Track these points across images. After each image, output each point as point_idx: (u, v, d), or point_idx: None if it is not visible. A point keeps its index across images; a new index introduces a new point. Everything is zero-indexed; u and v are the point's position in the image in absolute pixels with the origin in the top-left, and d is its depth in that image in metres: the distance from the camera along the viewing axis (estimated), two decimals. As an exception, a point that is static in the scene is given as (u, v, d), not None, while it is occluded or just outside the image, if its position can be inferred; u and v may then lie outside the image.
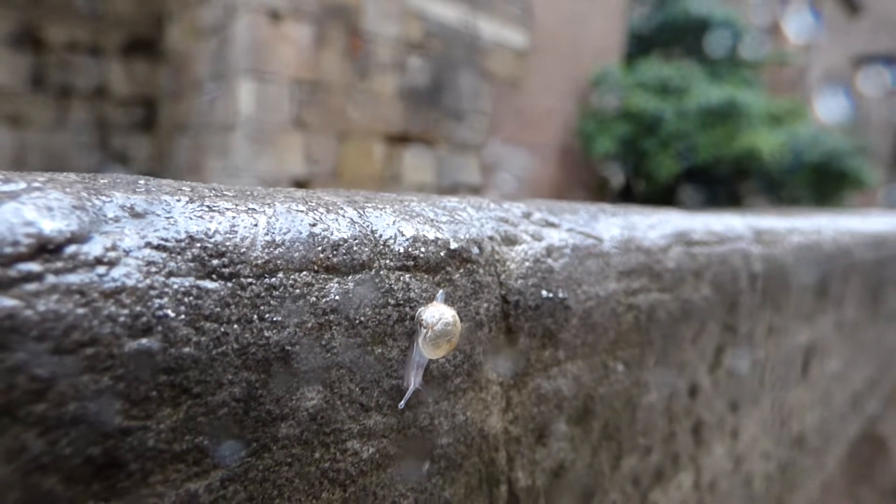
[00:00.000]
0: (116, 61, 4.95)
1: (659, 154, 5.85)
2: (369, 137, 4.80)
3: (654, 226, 0.72)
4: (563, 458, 0.57)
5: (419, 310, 0.43)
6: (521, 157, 5.63)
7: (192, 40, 4.88)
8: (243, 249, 0.35)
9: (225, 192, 0.38)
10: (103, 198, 0.32)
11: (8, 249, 0.27)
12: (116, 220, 0.31)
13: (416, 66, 5.10)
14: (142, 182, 0.36)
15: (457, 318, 0.43)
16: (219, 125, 4.41)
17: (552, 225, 0.59)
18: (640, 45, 6.98)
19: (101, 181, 0.34)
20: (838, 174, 6.29)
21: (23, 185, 0.30)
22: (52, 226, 0.28)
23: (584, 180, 6.20)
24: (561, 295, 0.55)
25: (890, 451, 2.33)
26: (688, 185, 6.28)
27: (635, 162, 6.05)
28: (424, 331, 0.42)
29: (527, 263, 0.53)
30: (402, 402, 0.42)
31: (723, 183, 6.37)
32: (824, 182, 6.35)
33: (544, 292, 0.53)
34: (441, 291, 0.45)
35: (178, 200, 0.34)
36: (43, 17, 4.55)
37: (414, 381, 0.43)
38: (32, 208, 0.28)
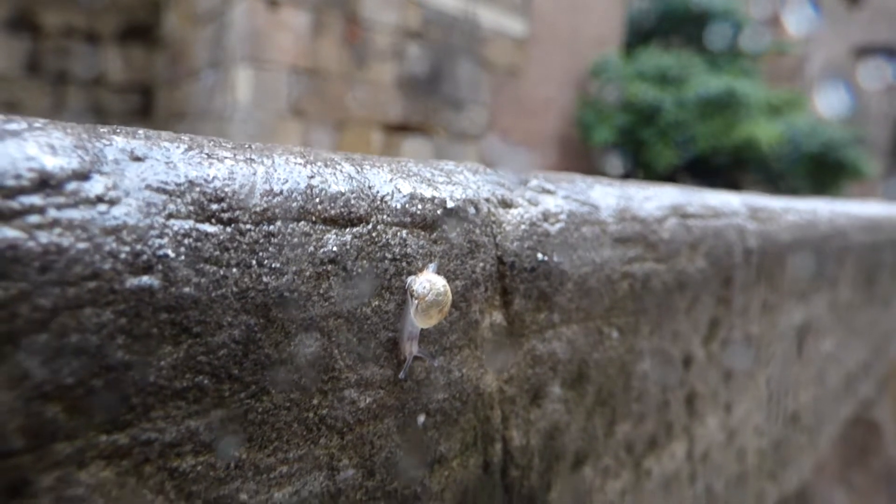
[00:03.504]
0: (113, 47, 4.91)
1: (658, 144, 5.84)
2: (367, 126, 4.78)
3: (650, 198, 0.73)
4: (558, 420, 0.58)
5: (409, 279, 0.43)
6: (519, 146, 5.62)
7: (189, 27, 4.83)
8: (242, 196, 0.35)
9: (223, 144, 0.38)
10: (104, 141, 0.32)
11: (10, 182, 0.27)
12: (116, 162, 0.31)
13: (414, 55, 5.07)
14: (141, 132, 0.36)
15: (447, 287, 0.43)
16: (216, 113, 4.39)
17: (548, 192, 0.59)
18: (640, 35, 6.95)
19: (101, 129, 0.35)
20: (836, 164, 6.30)
21: (24, 125, 0.30)
22: (53, 162, 0.29)
23: (582, 171, 6.19)
24: (556, 259, 0.55)
25: (883, 437, 2.35)
26: (686, 175, 6.28)
27: (634, 152, 6.04)
28: (416, 302, 0.42)
29: (522, 226, 0.53)
30: (403, 373, 0.43)
31: (721, 173, 6.38)
32: (822, 172, 6.36)
33: (540, 255, 0.54)
34: (434, 263, 0.45)
35: (178, 147, 0.35)
36: (39, 3, 4.50)
37: (410, 350, 0.43)
38: (34, 145, 0.29)
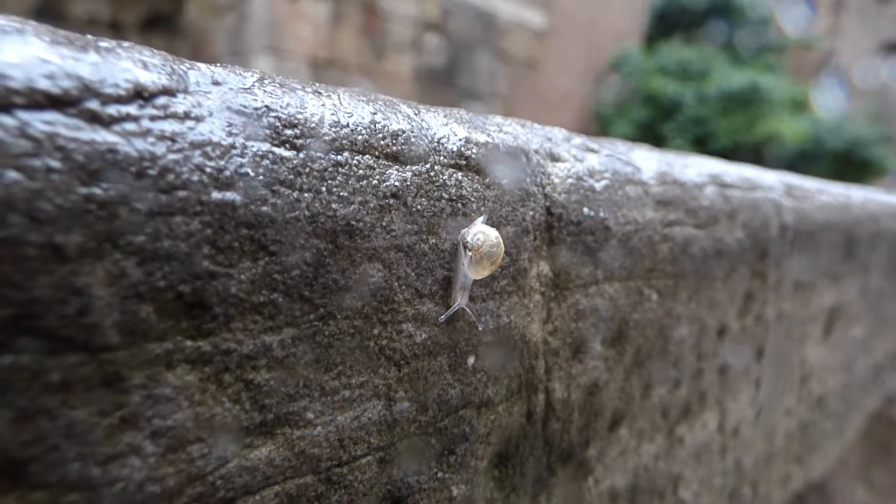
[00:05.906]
0: (135, 37, 4.98)
1: (677, 139, 5.77)
2: (385, 117, 4.78)
3: (689, 164, 0.73)
4: (597, 377, 0.59)
5: (462, 231, 0.44)
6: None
7: (209, 17, 4.88)
8: (312, 125, 0.36)
9: (290, 79, 0.39)
10: (187, 64, 0.33)
11: (109, 90, 0.28)
12: (198, 84, 0.33)
13: (432, 46, 5.07)
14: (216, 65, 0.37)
15: (500, 238, 0.44)
16: (237, 101, 4.42)
17: (592, 150, 0.59)
18: (661, 28, 6.86)
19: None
20: (861, 163, 6.16)
21: (114, 43, 0.31)
22: (146, 76, 0.30)
23: (599, 164, 6.12)
24: (602, 215, 0.56)
25: (906, 436, 2.31)
26: (705, 171, 6.18)
27: (653, 147, 5.97)
28: (470, 253, 0.42)
29: (570, 180, 0.54)
30: (444, 317, 0.43)
31: (741, 170, 6.27)
32: (846, 171, 6.23)
33: (586, 210, 0.54)
34: (483, 214, 0.46)
35: (253, 76, 0.36)
36: (65, -9, 4.57)
37: (460, 300, 0.44)
38: (129, 60, 0.30)
